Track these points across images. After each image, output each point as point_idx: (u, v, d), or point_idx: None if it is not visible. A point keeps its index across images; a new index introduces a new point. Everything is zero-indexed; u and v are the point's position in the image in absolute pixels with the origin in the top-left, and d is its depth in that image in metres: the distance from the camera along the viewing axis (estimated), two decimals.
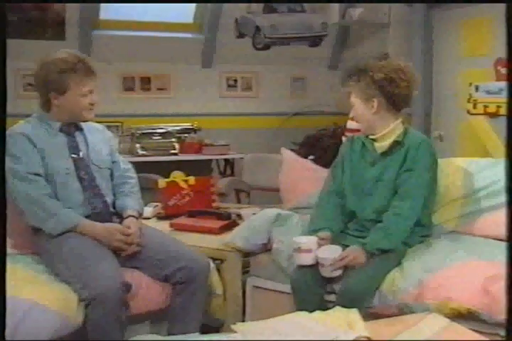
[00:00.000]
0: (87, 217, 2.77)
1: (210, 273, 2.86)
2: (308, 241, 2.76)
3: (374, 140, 2.91)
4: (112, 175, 3.02)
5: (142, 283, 2.68)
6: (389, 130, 2.87)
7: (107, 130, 3.18)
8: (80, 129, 2.96)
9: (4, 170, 1.51)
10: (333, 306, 2.49)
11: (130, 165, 3.15)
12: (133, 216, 2.86)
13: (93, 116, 2.93)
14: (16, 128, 2.83)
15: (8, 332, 2.19)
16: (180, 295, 2.71)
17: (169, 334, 2.70)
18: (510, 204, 1.49)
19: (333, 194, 3.00)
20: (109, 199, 2.91)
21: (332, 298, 2.72)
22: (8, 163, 2.68)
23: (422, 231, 2.92)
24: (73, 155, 2.87)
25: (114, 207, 2.93)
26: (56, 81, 2.79)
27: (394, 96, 2.85)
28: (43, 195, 2.70)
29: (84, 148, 2.93)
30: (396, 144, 2.87)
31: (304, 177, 3.64)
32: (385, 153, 2.90)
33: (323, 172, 3.45)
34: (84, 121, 2.94)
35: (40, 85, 2.85)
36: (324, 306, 2.65)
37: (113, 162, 3.04)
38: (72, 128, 2.93)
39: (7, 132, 2.72)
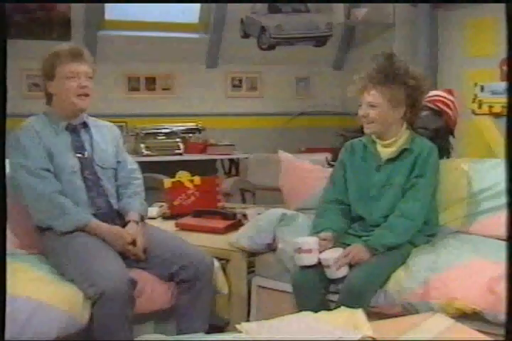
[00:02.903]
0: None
1: (214, 271, 2.84)
2: (309, 241, 2.76)
3: (382, 145, 2.92)
4: (116, 175, 3.00)
5: (147, 283, 2.68)
6: (398, 137, 2.89)
7: (114, 127, 3.15)
8: (87, 128, 2.94)
9: (4, 169, 1.50)
10: (336, 305, 2.50)
11: (136, 166, 3.12)
12: (134, 220, 2.83)
13: (86, 104, 2.86)
14: (25, 123, 2.83)
15: (15, 332, 2.21)
16: (186, 294, 2.70)
17: (177, 333, 2.69)
18: (510, 205, 1.48)
19: (334, 202, 3.00)
20: (113, 199, 2.90)
21: (334, 297, 2.72)
22: (17, 157, 2.71)
23: (427, 230, 2.93)
24: (78, 155, 2.86)
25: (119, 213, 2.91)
26: (45, 66, 2.85)
27: (416, 104, 2.88)
28: (53, 191, 2.70)
29: (89, 147, 2.91)
30: (404, 151, 2.88)
31: (303, 179, 3.64)
32: (391, 159, 2.91)
33: (322, 172, 3.46)
34: (79, 111, 2.88)
35: (41, 77, 2.92)
36: (326, 306, 2.65)
37: (118, 162, 3.02)
38: (78, 126, 2.91)
39: (18, 128, 2.77)
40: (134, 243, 2.72)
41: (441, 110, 3.37)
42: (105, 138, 3.00)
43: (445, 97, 3.41)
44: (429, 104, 3.32)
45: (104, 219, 2.77)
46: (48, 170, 2.74)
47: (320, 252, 2.74)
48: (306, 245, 2.73)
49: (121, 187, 2.98)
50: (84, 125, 2.94)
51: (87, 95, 2.83)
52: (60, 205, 2.68)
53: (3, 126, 1.48)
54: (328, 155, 4.53)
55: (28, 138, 2.75)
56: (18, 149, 2.74)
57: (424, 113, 3.18)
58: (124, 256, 2.69)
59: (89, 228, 2.68)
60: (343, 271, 2.69)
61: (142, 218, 2.91)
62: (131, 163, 3.11)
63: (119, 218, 2.88)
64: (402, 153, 2.89)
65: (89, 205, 2.80)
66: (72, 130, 2.89)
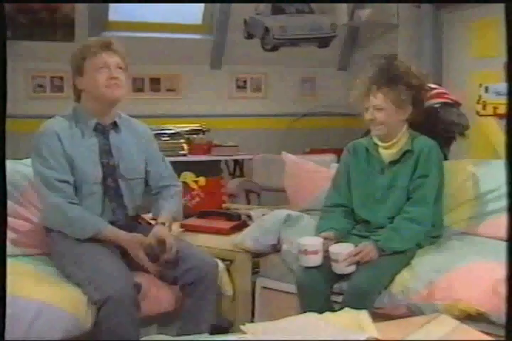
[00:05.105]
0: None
1: (218, 273, 2.82)
2: (315, 242, 2.76)
3: (383, 147, 2.93)
4: (146, 183, 2.89)
5: (151, 286, 2.66)
6: (399, 138, 2.89)
7: (147, 130, 3.01)
8: (117, 129, 2.80)
9: (4, 169, 1.49)
10: (341, 306, 2.50)
11: (169, 172, 2.99)
12: (161, 222, 2.73)
13: (118, 93, 2.69)
14: (48, 125, 2.70)
15: (19, 333, 2.21)
16: (190, 297, 2.68)
17: (179, 334, 2.68)
18: (511, 208, 1.48)
19: (337, 206, 3.01)
20: (130, 211, 2.82)
21: (338, 298, 2.72)
22: (37, 165, 2.64)
23: (433, 232, 2.93)
24: (104, 161, 2.74)
25: (135, 220, 2.86)
26: (74, 61, 2.72)
27: (420, 103, 2.89)
28: (69, 204, 2.61)
29: (117, 153, 2.77)
30: (406, 152, 2.88)
31: (308, 180, 3.64)
32: (393, 161, 2.91)
33: (326, 173, 3.46)
34: (110, 102, 2.72)
35: (72, 73, 2.77)
36: (330, 307, 2.65)
37: (147, 171, 2.88)
38: (107, 127, 2.77)
39: (40, 129, 2.66)
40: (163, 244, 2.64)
41: (454, 101, 3.39)
42: (135, 143, 2.86)
43: (440, 89, 3.46)
44: (446, 100, 3.33)
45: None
46: (66, 182, 2.64)
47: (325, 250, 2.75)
48: (312, 247, 2.73)
49: (153, 195, 2.89)
50: (115, 125, 2.81)
51: (118, 86, 2.69)
52: (72, 216, 2.61)
53: (3, 126, 1.47)
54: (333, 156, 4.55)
55: (48, 146, 2.64)
56: (38, 155, 2.64)
57: (453, 110, 3.21)
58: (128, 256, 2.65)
59: (104, 236, 2.62)
60: (351, 268, 2.69)
61: (174, 219, 2.85)
62: (165, 169, 2.97)
63: (137, 230, 2.78)
64: (404, 154, 2.89)
65: (108, 216, 2.73)
66: (101, 131, 2.76)
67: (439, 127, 3.31)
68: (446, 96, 3.40)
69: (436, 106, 3.40)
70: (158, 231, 2.69)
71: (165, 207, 2.83)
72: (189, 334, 2.52)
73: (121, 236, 2.64)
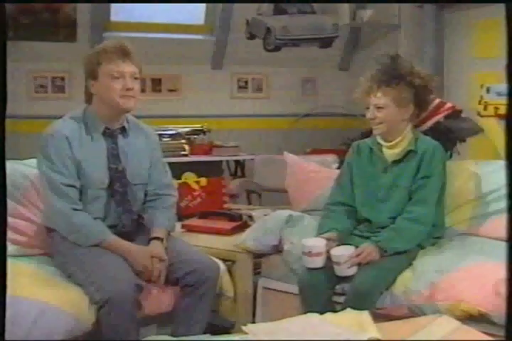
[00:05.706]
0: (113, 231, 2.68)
1: (219, 276, 2.80)
2: (319, 244, 2.76)
3: (386, 147, 2.92)
4: (145, 189, 2.86)
5: (153, 286, 2.67)
6: (402, 137, 2.89)
7: (154, 134, 2.98)
8: (125, 134, 2.78)
9: (5, 169, 1.48)
10: (342, 307, 2.50)
11: (169, 180, 2.96)
12: (158, 238, 2.71)
13: (132, 104, 2.67)
14: (57, 127, 2.66)
15: (21, 333, 2.20)
16: (187, 297, 2.67)
17: (172, 335, 2.66)
18: (511, 209, 1.48)
19: (340, 204, 3.01)
20: (135, 215, 2.81)
21: (340, 299, 2.72)
22: (44, 167, 2.62)
23: (434, 232, 2.93)
24: (112, 166, 2.72)
25: (138, 221, 2.84)
26: (88, 64, 2.67)
27: (424, 103, 2.89)
28: (71, 209, 2.60)
29: (124, 158, 2.75)
30: (409, 152, 2.88)
31: (309, 180, 3.64)
32: (396, 161, 2.91)
33: (328, 173, 3.46)
34: (123, 112, 2.72)
35: (84, 75, 2.72)
36: (332, 307, 2.66)
37: (149, 175, 2.85)
38: (116, 131, 2.75)
39: (48, 130, 2.63)
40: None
41: (453, 109, 3.40)
42: (141, 148, 2.83)
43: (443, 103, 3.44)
44: (446, 113, 3.35)
45: (128, 237, 2.71)
46: (72, 187, 2.62)
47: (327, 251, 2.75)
48: (316, 248, 2.73)
49: (148, 201, 2.86)
50: (123, 130, 2.79)
51: (132, 97, 2.67)
52: (77, 224, 2.59)
53: (3, 126, 1.47)
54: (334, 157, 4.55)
55: (57, 149, 2.61)
56: (45, 157, 2.62)
57: (458, 119, 3.24)
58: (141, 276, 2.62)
59: (107, 245, 2.59)
60: (353, 269, 2.70)
61: (168, 233, 2.81)
62: (165, 176, 2.94)
63: (143, 234, 2.78)
64: (408, 154, 2.89)
65: (112, 220, 2.72)
66: (109, 135, 2.74)
67: (452, 138, 3.32)
68: (446, 107, 3.40)
69: (441, 120, 3.40)
70: (154, 248, 2.67)
71: (161, 220, 2.80)
72: (184, 334, 2.52)
73: (125, 246, 2.63)
